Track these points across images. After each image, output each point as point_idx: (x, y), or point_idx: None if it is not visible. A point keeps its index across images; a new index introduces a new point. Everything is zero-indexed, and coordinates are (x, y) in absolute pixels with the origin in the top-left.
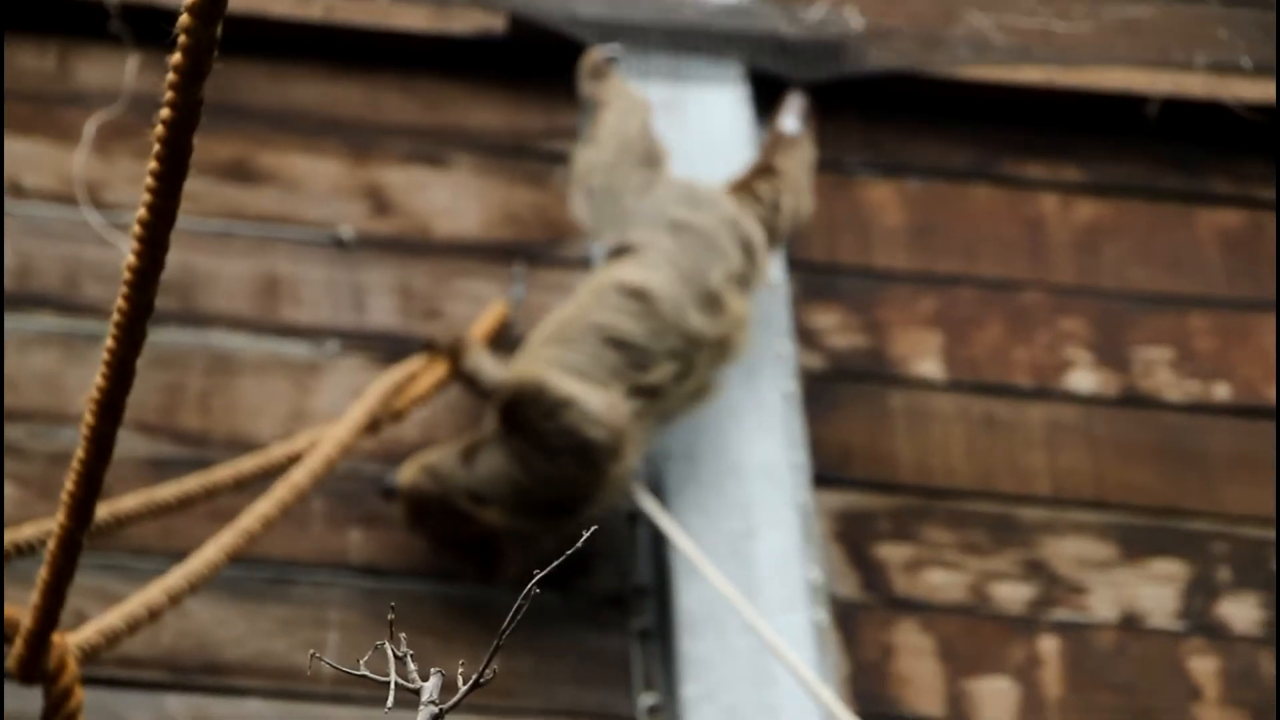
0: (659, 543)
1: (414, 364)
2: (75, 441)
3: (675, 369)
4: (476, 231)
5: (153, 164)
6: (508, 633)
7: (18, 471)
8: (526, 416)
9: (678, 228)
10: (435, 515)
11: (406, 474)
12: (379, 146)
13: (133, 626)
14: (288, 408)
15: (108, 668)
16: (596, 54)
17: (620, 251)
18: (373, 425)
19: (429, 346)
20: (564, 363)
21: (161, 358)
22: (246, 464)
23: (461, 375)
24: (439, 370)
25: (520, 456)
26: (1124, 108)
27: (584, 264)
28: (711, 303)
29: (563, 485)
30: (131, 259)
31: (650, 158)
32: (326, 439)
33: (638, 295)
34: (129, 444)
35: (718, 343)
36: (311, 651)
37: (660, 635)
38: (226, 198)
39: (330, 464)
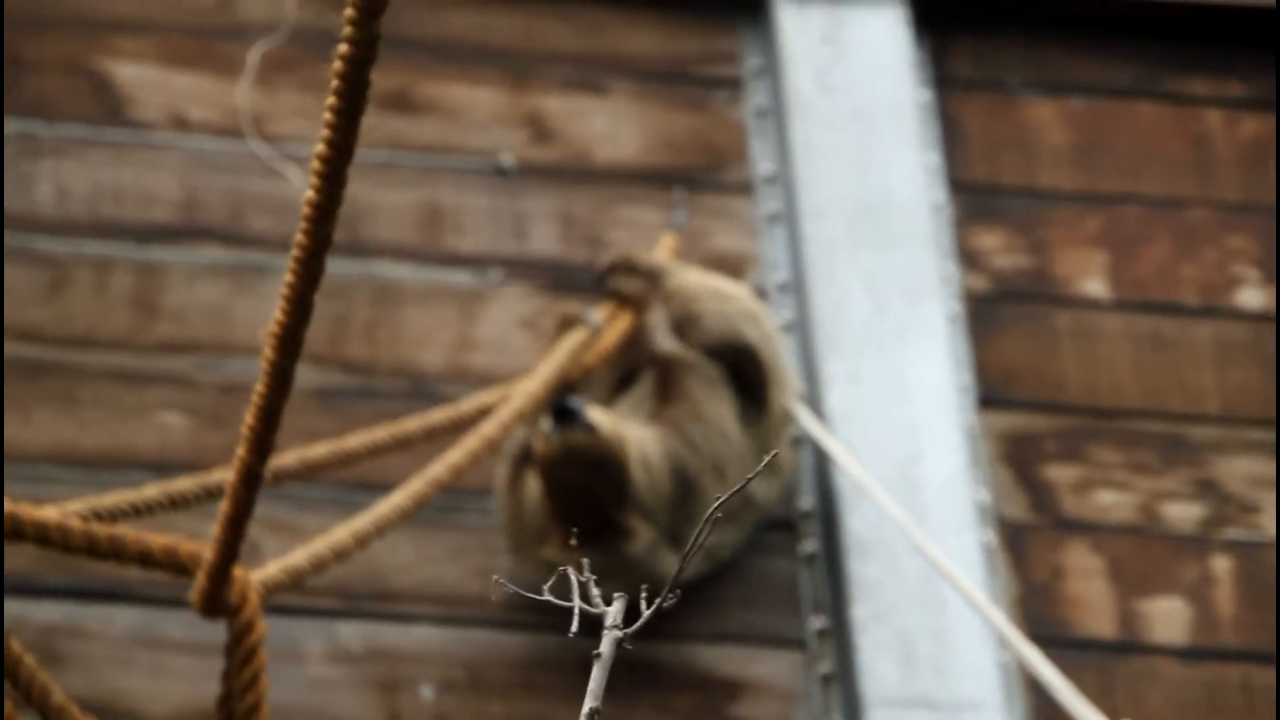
0: (824, 466)
1: (601, 314)
2: (244, 372)
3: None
4: (636, 158)
5: (331, 99)
6: (690, 557)
7: (188, 402)
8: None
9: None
10: (590, 478)
11: (606, 421)
12: (537, 74)
13: (317, 567)
14: (452, 336)
15: (280, 596)
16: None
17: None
18: (562, 379)
19: (613, 270)
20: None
21: (327, 289)
22: (436, 415)
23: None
24: (625, 324)
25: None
26: None
27: (744, 188)
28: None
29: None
30: (310, 194)
31: None
32: (517, 393)
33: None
34: (297, 374)
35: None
36: (495, 577)
37: (828, 559)
38: (388, 128)
39: (520, 418)
